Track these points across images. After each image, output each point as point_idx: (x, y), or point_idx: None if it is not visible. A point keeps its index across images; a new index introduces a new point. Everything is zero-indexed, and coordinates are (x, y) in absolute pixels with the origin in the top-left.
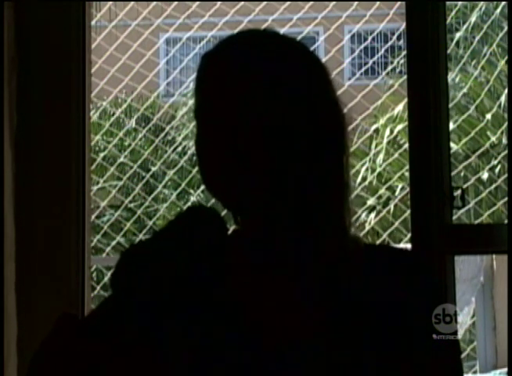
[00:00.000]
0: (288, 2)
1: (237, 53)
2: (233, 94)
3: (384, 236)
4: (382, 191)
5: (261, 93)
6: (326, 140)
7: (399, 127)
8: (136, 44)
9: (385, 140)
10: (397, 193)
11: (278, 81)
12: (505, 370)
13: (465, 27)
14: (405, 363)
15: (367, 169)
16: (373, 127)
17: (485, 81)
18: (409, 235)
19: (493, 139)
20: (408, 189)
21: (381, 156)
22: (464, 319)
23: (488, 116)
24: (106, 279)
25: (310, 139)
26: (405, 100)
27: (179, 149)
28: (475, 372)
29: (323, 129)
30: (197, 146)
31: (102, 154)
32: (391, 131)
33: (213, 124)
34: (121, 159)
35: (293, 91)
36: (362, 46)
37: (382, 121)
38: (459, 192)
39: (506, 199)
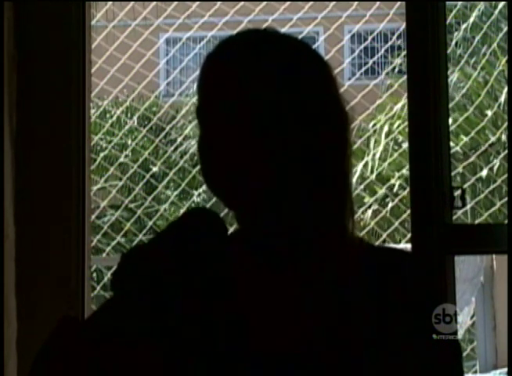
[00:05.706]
0: (288, 2)
1: (238, 53)
2: (234, 93)
3: (384, 236)
4: (382, 191)
5: (263, 92)
6: (329, 138)
7: (399, 127)
8: (136, 44)
9: (384, 140)
10: (396, 193)
11: (280, 79)
12: (505, 370)
13: (464, 27)
14: (405, 364)
15: (366, 168)
16: (373, 126)
17: (485, 81)
18: (409, 235)
19: (493, 138)
20: (407, 188)
21: (380, 155)
22: (464, 319)
23: (488, 116)
24: (106, 279)
25: (312, 138)
26: (405, 100)
27: (180, 149)
28: (475, 372)
29: (326, 127)
30: (199, 145)
31: (102, 154)
32: (391, 131)
33: (214, 124)
34: (122, 159)
35: (295, 89)
36: (362, 46)
37: (382, 120)
38: (459, 192)
39: (505, 199)
